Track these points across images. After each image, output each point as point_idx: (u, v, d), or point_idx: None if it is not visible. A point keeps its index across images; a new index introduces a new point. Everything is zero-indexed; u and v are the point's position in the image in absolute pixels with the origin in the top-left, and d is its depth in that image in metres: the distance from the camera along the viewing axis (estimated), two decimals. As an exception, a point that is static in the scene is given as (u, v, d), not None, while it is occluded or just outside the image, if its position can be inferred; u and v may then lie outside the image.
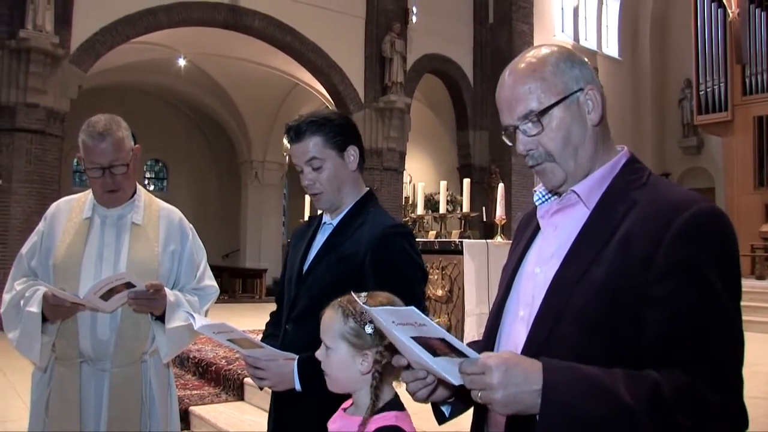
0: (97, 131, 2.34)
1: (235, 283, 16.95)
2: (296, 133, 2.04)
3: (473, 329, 5.98)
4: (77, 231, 2.45)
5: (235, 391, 5.31)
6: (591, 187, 1.36)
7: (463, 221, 7.03)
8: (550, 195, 1.45)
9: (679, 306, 1.18)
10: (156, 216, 2.56)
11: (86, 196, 2.54)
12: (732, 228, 1.25)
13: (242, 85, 16.85)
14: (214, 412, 4.90)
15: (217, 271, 17.73)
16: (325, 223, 2.16)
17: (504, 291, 1.47)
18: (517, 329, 1.38)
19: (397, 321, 1.20)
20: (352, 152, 2.09)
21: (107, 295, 2.26)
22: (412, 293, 1.87)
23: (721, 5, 14.94)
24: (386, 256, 1.96)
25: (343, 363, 1.58)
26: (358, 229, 2.04)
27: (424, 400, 1.38)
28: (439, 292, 6.14)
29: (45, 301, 2.27)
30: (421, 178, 15.27)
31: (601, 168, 1.37)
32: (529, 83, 1.35)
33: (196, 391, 5.48)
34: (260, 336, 2.27)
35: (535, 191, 1.48)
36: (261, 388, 2.07)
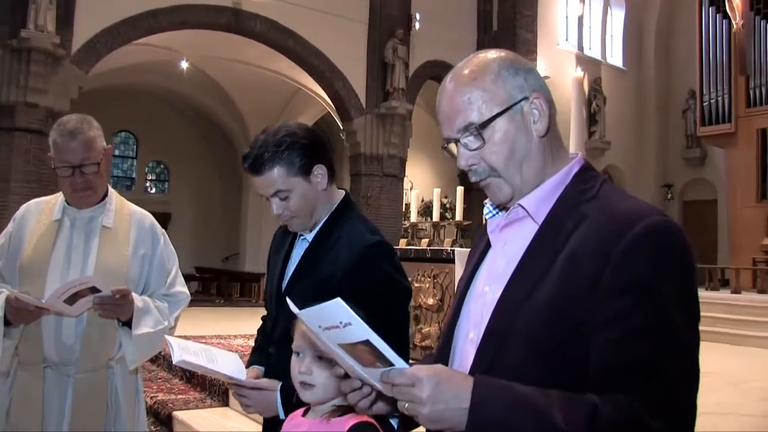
0: (68, 130, 2.31)
1: (233, 287, 16.91)
2: (255, 164, 1.87)
3: (464, 338, 5.92)
4: (45, 233, 2.41)
5: (220, 396, 5.26)
6: (539, 199, 1.28)
7: (457, 229, 6.97)
8: (499, 209, 1.38)
9: (626, 329, 1.11)
10: (127, 219, 2.51)
11: (57, 198, 2.50)
12: (687, 243, 1.17)
13: (244, 88, 16.84)
14: (197, 417, 4.86)
15: (216, 275, 17.88)
16: (301, 236, 2.04)
17: (455, 310, 1.40)
18: (467, 351, 1.32)
19: (324, 325, 1.15)
20: (319, 172, 1.93)
21: (72, 299, 2.22)
22: (393, 320, 1.80)
23: (725, 16, 14.89)
24: (365, 282, 1.81)
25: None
26: (334, 247, 1.92)
27: (367, 411, 1.32)
28: (430, 301, 6.09)
29: (8, 304, 2.23)
30: (421, 184, 15.26)
31: (550, 179, 1.29)
32: (468, 93, 1.27)
33: (181, 396, 5.44)
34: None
35: (486, 204, 1.41)
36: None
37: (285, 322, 1.89)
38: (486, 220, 1.42)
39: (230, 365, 1.86)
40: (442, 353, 1.41)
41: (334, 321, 1.13)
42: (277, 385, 1.85)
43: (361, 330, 1.12)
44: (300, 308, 1.93)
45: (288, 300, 1.28)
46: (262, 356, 2.07)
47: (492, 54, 1.32)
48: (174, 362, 1.78)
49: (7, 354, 2.31)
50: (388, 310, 1.81)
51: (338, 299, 1.11)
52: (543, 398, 1.09)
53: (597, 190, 1.27)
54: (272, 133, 1.92)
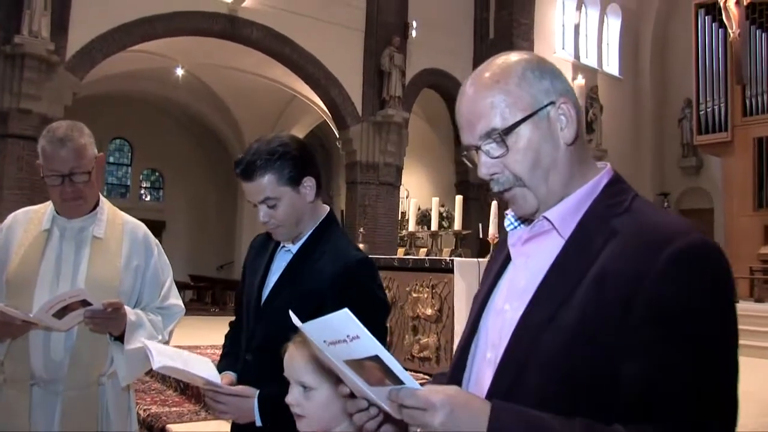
0: (57, 137, 2.21)
1: (228, 295, 16.78)
2: (246, 171, 1.90)
3: (463, 350, 5.82)
4: (33, 243, 2.31)
5: (216, 409, 5.14)
6: (565, 212, 1.19)
7: (456, 238, 6.89)
8: (522, 220, 1.29)
9: (659, 359, 1.02)
10: (119, 230, 2.42)
11: (46, 207, 2.40)
12: (727, 265, 1.08)
13: (240, 95, 16.77)
14: (192, 430, 4.73)
15: (211, 283, 17.75)
16: (283, 246, 2.06)
17: (471, 326, 1.31)
18: (483, 372, 1.23)
19: (329, 339, 1.07)
20: (308, 184, 1.96)
21: (61, 313, 2.12)
22: (378, 333, 1.77)
23: (722, 25, 14.89)
24: (350, 295, 1.82)
25: (329, 400, 1.46)
26: (319, 261, 1.95)
27: None
28: (429, 311, 5.99)
29: (-7, 318, 2.12)
30: (417, 193, 15.20)
31: (578, 191, 1.20)
32: (491, 97, 1.18)
33: (175, 408, 5.32)
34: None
35: (507, 215, 1.32)
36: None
37: (265, 331, 1.95)
38: (504, 232, 1.34)
39: (206, 370, 1.85)
40: (455, 372, 1.32)
41: (341, 335, 1.05)
42: (255, 392, 1.86)
43: (369, 344, 1.04)
44: (285, 318, 1.89)
45: (291, 314, 1.22)
46: (233, 363, 2.08)
47: (515, 56, 1.24)
48: (154, 368, 1.76)
49: (-8, 370, 2.22)
50: (369, 326, 1.79)
51: (346, 310, 1.03)
52: (566, 428, 1.01)
53: (628, 204, 1.18)
54: (266, 142, 1.96)
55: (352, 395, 1.19)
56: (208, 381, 1.82)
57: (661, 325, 1.03)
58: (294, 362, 1.49)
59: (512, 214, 1.30)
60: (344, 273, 1.89)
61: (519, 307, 1.19)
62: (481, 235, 11.21)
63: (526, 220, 1.28)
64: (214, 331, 10.18)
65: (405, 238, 12.20)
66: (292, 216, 1.95)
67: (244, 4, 12.27)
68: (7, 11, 10.12)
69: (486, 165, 1.21)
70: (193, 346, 7.35)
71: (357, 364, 1.08)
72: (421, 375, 5.48)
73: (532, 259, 1.23)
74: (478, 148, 1.21)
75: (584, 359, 1.07)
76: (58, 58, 10.38)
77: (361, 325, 1.03)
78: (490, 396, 1.15)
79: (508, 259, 1.31)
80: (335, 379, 1.39)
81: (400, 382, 1.05)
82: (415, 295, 6.09)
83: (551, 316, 1.12)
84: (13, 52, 10.00)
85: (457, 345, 1.38)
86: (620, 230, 1.13)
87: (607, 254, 1.11)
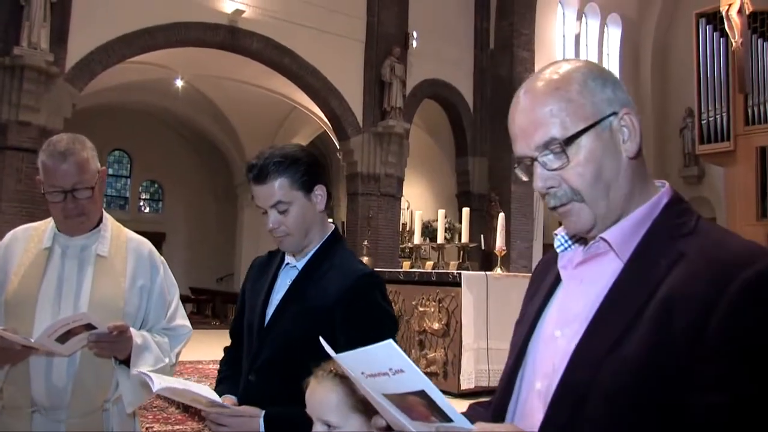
0: (58, 151, 2.10)
1: (228, 308, 16.63)
2: (260, 174, 1.88)
3: (470, 365, 5.73)
4: (34, 262, 2.19)
5: (219, 428, 5.01)
6: (625, 233, 1.10)
7: (461, 251, 6.78)
8: (573, 241, 1.19)
9: (734, 397, 0.93)
10: (124, 248, 2.30)
11: (47, 224, 2.28)
12: None
13: (240, 107, 16.69)
14: (195, 451, 4.62)
15: (211, 295, 17.62)
16: (287, 263, 2.00)
17: (517, 355, 1.21)
18: (532, 404, 1.13)
19: (369, 371, 0.98)
20: (320, 192, 1.95)
21: (64, 338, 2.00)
22: None
23: (723, 34, 14.86)
24: (358, 309, 1.84)
25: None
26: (326, 276, 1.89)
27: None
28: (436, 326, 5.88)
29: (-9, 342, 2.00)
30: (418, 204, 15.08)
31: (638, 210, 1.12)
32: (550, 104, 1.09)
33: (178, 427, 5.20)
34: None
35: (556, 235, 1.22)
36: None
37: (270, 350, 1.91)
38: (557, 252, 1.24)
39: (207, 392, 1.77)
40: (500, 404, 1.21)
41: (382, 367, 0.96)
42: (259, 412, 1.79)
43: (415, 378, 0.95)
44: (292, 335, 1.82)
45: (322, 340, 1.14)
46: (232, 386, 2.02)
47: (574, 63, 1.15)
48: (154, 390, 1.68)
49: (-10, 398, 2.10)
50: (377, 340, 1.74)
51: (390, 341, 0.94)
52: None
53: (694, 225, 1.09)
54: (279, 147, 1.96)
55: (388, 428, 1.10)
56: (211, 400, 1.74)
57: (735, 357, 0.94)
58: (317, 398, 1.39)
59: (563, 233, 1.21)
60: (351, 288, 1.85)
61: (573, 334, 1.10)
62: (483, 247, 11.16)
63: (578, 240, 1.18)
64: (215, 346, 10.02)
65: (407, 251, 12.11)
66: (302, 224, 1.91)
67: (244, 15, 12.22)
68: (7, 22, 10.05)
69: (542, 178, 1.12)
70: (195, 361, 7.22)
71: (399, 398, 0.99)
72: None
73: (586, 282, 1.14)
74: (533, 160, 1.12)
75: (648, 390, 0.98)
76: (57, 70, 10.30)
77: (407, 358, 0.94)
78: (542, 430, 1.06)
79: (555, 283, 1.21)
80: (366, 411, 1.29)
81: (448, 419, 0.97)
82: (421, 309, 5.99)
83: (613, 344, 1.02)
84: (12, 63, 9.92)
85: (503, 373, 1.27)
86: (687, 253, 1.04)
87: (674, 278, 1.01)
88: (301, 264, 1.96)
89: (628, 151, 1.12)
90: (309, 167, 1.92)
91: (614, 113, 1.11)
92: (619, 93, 1.14)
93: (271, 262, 2.09)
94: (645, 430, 0.99)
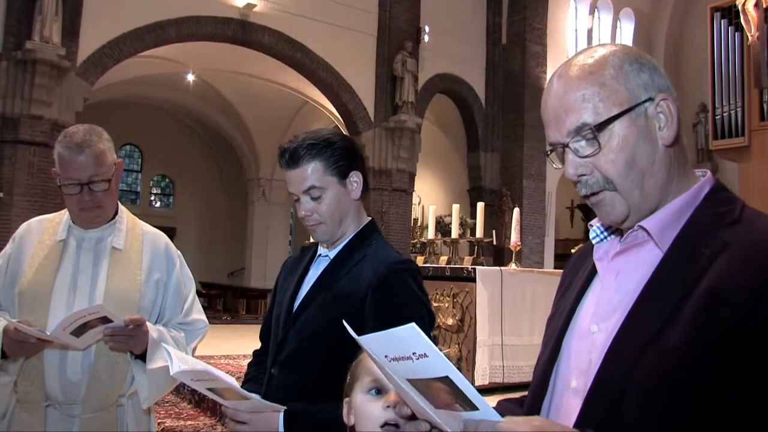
0: (75, 142, 2.06)
1: (239, 303, 16.64)
2: (293, 157, 1.79)
3: (485, 361, 5.68)
4: (48, 255, 2.15)
5: (232, 423, 4.98)
6: (665, 222, 1.06)
7: (475, 246, 6.72)
8: (609, 232, 1.14)
9: None
10: (139, 240, 2.26)
11: (61, 216, 2.25)
12: None
13: (251, 101, 16.68)
14: (207, 446, 4.59)
15: (222, 290, 17.64)
16: (320, 255, 1.90)
17: (551, 352, 1.16)
18: (568, 402, 1.09)
19: (392, 354, 0.95)
20: (355, 179, 1.85)
21: (79, 331, 1.97)
22: None
23: (738, 29, 14.68)
24: (391, 294, 1.72)
25: None
26: (357, 265, 1.80)
27: None
28: (450, 321, 5.83)
29: (5, 335, 1.97)
30: (430, 199, 15.01)
31: (678, 199, 1.07)
32: (583, 89, 1.05)
33: (190, 422, 5.17)
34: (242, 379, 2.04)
35: (592, 226, 1.18)
36: None
37: (294, 343, 1.82)
38: (592, 244, 1.19)
39: (228, 379, 1.64)
40: (534, 402, 1.17)
41: (406, 351, 0.93)
42: (280, 408, 1.69)
43: (439, 364, 0.91)
44: (318, 325, 1.74)
45: (345, 324, 1.09)
46: (257, 387, 1.92)
47: (610, 47, 1.11)
48: (172, 373, 1.55)
49: (4, 391, 2.06)
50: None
51: (413, 324, 0.90)
52: None
53: (738, 213, 1.04)
54: (313, 131, 1.87)
55: (413, 416, 1.07)
56: (230, 386, 1.60)
57: None
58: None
59: (598, 225, 1.17)
60: (385, 273, 1.74)
61: (610, 328, 1.05)
62: (495, 242, 11.09)
63: (614, 231, 1.13)
64: (227, 341, 10.06)
65: (418, 245, 12.05)
66: (336, 212, 1.81)
67: (255, 9, 12.18)
68: (19, 17, 10.06)
69: (573, 165, 1.08)
70: (206, 357, 7.20)
71: (422, 384, 0.96)
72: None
73: (623, 274, 1.09)
74: (565, 146, 1.07)
75: (691, 385, 0.93)
76: (69, 64, 10.30)
77: (431, 343, 0.91)
78: (578, 427, 1.01)
79: (590, 276, 1.16)
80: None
81: (473, 407, 0.93)
82: (435, 304, 5.93)
83: (653, 336, 0.98)
84: (24, 57, 9.93)
85: (535, 370, 1.22)
86: (732, 242, 0.99)
87: (719, 268, 0.97)
88: (333, 254, 1.87)
89: (665, 138, 1.07)
90: (344, 151, 1.83)
91: (650, 99, 1.07)
92: (656, 78, 1.08)
93: (302, 258, 2.00)
94: (682, 427, 0.94)
